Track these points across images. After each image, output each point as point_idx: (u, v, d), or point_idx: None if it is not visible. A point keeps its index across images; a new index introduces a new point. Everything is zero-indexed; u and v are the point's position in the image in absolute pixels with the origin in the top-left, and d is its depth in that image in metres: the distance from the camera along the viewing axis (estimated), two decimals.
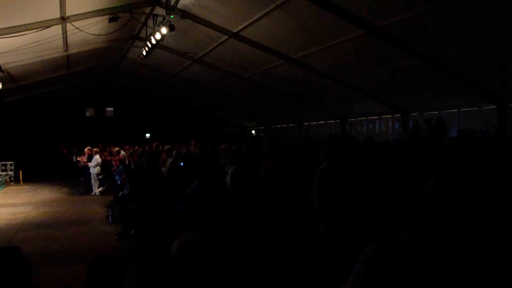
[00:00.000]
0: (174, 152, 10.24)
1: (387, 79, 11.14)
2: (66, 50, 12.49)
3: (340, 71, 12.54)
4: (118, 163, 14.85)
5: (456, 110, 13.02)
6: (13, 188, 18.74)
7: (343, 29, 9.42)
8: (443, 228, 1.67)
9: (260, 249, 0.99)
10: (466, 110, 12.72)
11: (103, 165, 16.32)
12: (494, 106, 11.32)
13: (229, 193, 6.02)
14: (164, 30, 9.85)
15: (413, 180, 1.76)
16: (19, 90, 16.73)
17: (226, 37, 11.83)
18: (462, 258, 1.65)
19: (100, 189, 16.23)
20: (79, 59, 14.75)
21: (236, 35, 11.50)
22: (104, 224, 10.82)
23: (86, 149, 16.91)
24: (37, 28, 9.36)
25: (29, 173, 21.48)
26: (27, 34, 9.32)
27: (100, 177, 16.34)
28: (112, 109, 30.43)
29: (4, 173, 20.47)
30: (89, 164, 16.19)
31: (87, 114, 30.02)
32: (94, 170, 16.10)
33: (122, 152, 16.23)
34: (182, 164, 8.48)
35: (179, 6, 9.66)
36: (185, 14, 10.57)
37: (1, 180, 19.18)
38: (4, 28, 8.98)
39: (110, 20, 10.58)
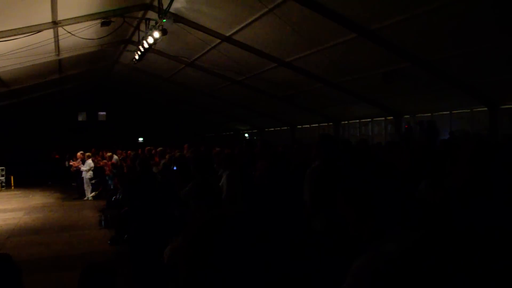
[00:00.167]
0: (167, 156, 10.21)
1: (379, 82, 11.20)
2: (58, 55, 12.43)
3: (332, 74, 12.58)
4: (111, 167, 14.78)
5: (448, 112, 13.11)
6: (4, 194, 18.57)
7: (335, 32, 9.46)
8: (429, 237, 1.68)
9: (238, 253, 0.99)
10: (458, 112, 12.81)
11: (96, 169, 16.23)
12: (486, 108, 11.41)
13: (223, 197, 6.01)
14: (156, 34, 9.83)
15: (402, 189, 1.77)
16: (11, 94, 16.61)
17: (218, 40, 11.83)
18: (449, 267, 1.66)
19: (93, 193, 16.14)
20: (71, 64, 14.68)
21: (228, 39, 11.51)
22: (97, 229, 10.75)
23: (78, 154, 16.82)
24: (28, 32, 9.30)
25: (21, 179, 21.28)
26: (19, 38, 9.27)
27: (93, 181, 16.25)
28: (104, 113, 30.31)
29: None
30: (82, 168, 16.09)
31: (80, 118, 29.89)
32: (86, 175, 16.01)
33: (115, 157, 16.14)
34: (175, 168, 8.45)
35: (171, 10, 9.65)
36: (177, 18, 10.56)
37: None
38: None
39: (102, 24, 10.55)
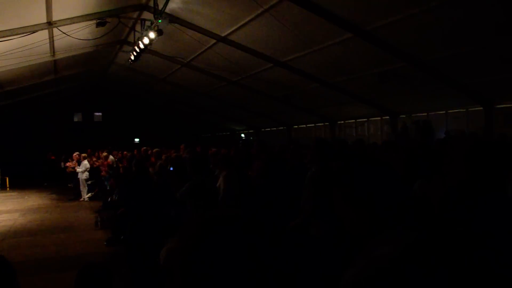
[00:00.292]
0: (163, 156, 10.20)
1: (375, 82, 11.22)
2: (53, 55, 12.40)
3: (328, 74, 12.60)
4: (107, 168, 14.74)
5: (444, 112, 13.16)
6: None
7: (331, 32, 9.47)
8: (424, 239, 1.67)
9: (233, 254, 0.98)
10: (454, 112, 12.86)
11: (92, 170, 16.19)
12: (481, 108, 11.46)
13: (220, 198, 6.01)
14: (152, 34, 9.81)
15: (399, 188, 1.76)
16: (6, 95, 16.56)
17: (214, 41, 11.82)
18: (445, 269, 1.65)
19: (89, 194, 16.09)
20: (66, 64, 14.65)
21: (224, 39, 11.50)
22: (93, 230, 10.72)
23: (74, 155, 16.77)
24: (23, 33, 9.26)
25: (16, 180, 21.19)
26: (13, 39, 9.23)
27: (89, 182, 16.20)
28: (100, 114, 30.25)
29: None
30: (78, 169, 16.05)
31: (75, 119, 29.82)
32: (82, 176, 15.96)
33: (111, 157, 16.10)
34: (171, 168, 8.44)
35: (167, 10, 9.63)
36: (173, 18, 10.55)
37: None
38: None
39: (98, 25, 10.53)
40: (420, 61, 9.90)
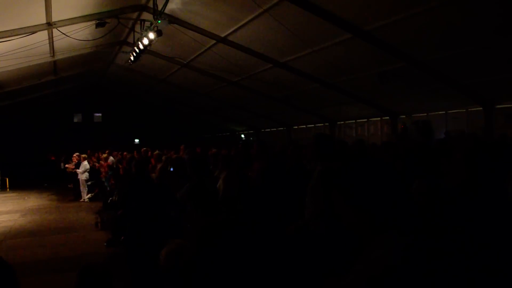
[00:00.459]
0: (163, 158, 10.18)
1: (375, 82, 11.22)
2: (53, 56, 12.39)
3: (328, 75, 12.60)
4: (107, 169, 14.74)
5: (444, 112, 13.15)
6: None
7: (331, 33, 9.47)
8: (422, 241, 1.66)
9: (237, 256, 0.98)
10: (454, 112, 12.85)
11: (92, 171, 16.19)
12: (481, 108, 11.46)
13: (220, 198, 6.01)
14: (151, 35, 9.82)
15: (398, 189, 1.75)
16: (5, 96, 16.55)
17: (214, 41, 11.82)
18: (444, 271, 1.65)
19: (89, 195, 16.09)
20: (66, 65, 14.64)
21: (224, 40, 11.50)
22: (93, 231, 10.72)
23: (74, 156, 16.78)
24: (22, 33, 9.26)
25: (16, 181, 21.20)
26: (13, 40, 9.23)
27: (89, 183, 16.20)
28: (100, 114, 30.24)
29: None
30: (77, 170, 16.05)
31: (75, 120, 29.81)
32: (82, 176, 15.96)
33: (111, 158, 16.10)
34: (171, 169, 8.44)
35: (166, 11, 9.63)
36: (172, 19, 10.55)
37: None
38: None
39: (97, 25, 10.52)
40: (420, 61, 9.90)
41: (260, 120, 22.45)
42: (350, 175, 1.77)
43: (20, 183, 21.01)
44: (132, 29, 12.44)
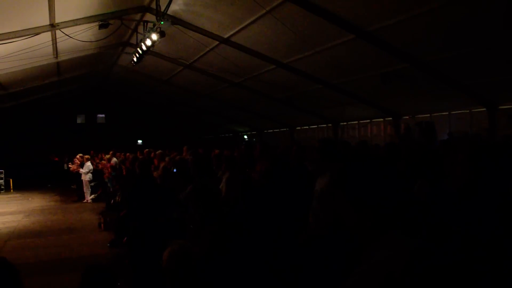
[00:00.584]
0: (167, 159, 10.20)
1: (378, 83, 11.19)
2: (56, 57, 12.42)
3: (331, 76, 12.59)
4: (110, 170, 14.77)
5: (447, 113, 13.11)
6: (3, 197, 18.55)
7: (333, 33, 9.46)
8: (428, 244, 1.66)
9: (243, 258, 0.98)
10: (457, 113, 12.80)
11: (95, 172, 16.22)
12: (484, 109, 11.42)
13: (223, 199, 6.01)
14: (154, 36, 9.83)
15: (401, 190, 1.75)
16: (9, 97, 16.60)
17: (217, 42, 11.83)
18: (450, 275, 1.64)
19: (92, 196, 16.13)
20: (69, 66, 14.68)
21: (226, 41, 11.51)
22: (96, 232, 10.75)
23: (77, 156, 16.83)
24: (26, 35, 9.29)
25: (20, 181, 21.27)
26: (16, 41, 9.26)
27: (92, 184, 16.24)
28: (103, 115, 30.31)
29: None
30: (81, 170, 16.09)
31: (78, 121, 29.89)
32: (86, 177, 16.00)
33: (114, 159, 16.13)
34: (175, 170, 8.45)
35: (169, 12, 9.65)
36: (175, 20, 10.56)
37: None
38: None
39: (100, 26, 10.54)
40: (423, 62, 9.88)
41: (263, 121, 22.43)
42: (354, 174, 1.77)
43: (24, 184, 21.09)
44: (135, 30, 12.46)
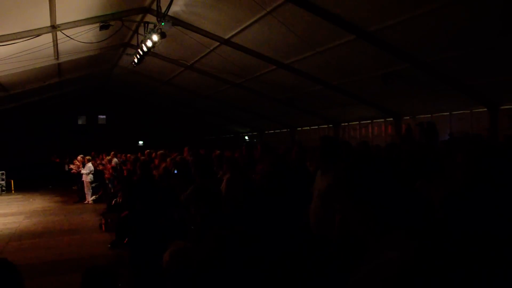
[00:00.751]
0: (168, 159, 10.18)
1: (379, 84, 11.19)
2: (57, 59, 12.44)
3: (332, 76, 12.59)
4: (111, 170, 14.77)
5: (448, 113, 13.10)
6: (4, 198, 18.55)
7: (334, 34, 9.47)
8: (430, 244, 1.66)
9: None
10: (458, 113, 12.80)
11: (96, 172, 16.23)
12: (485, 109, 11.41)
13: (223, 200, 6.01)
14: (155, 37, 9.84)
15: (403, 189, 1.74)
16: (10, 99, 16.63)
17: (217, 43, 11.84)
18: (453, 275, 1.64)
19: (93, 197, 16.13)
20: (70, 67, 14.69)
21: (227, 42, 11.52)
22: (97, 233, 10.75)
23: (78, 158, 16.83)
24: (27, 36, 9.31)
25: (21, 182, 21.27)
26: (17, 42, 9.27)
27: (93, 185, 16.24)
28: (104, 116, 30.32)
29: None
30: (82, 171, 16.09)
31: (79, 122, 29.89)
32: (87, 178, 16.01)
33: (115, 160, 16.13)
34: (176, 171, 8.44)
35: (170, 13, 9.66)
36: (176, 21, 10.57)
37: None
38: None
39: (101, 28, 10.56)
40: (424, 62, 9.87)
41: (264, 122, 22.44)
42: (358, 174, 1.77)
43: (25, 185, 21.09)
44: (136, 32, 12.48)
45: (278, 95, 16.03)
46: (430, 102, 12.75)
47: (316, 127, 19.95)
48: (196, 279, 2.89)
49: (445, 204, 2.82)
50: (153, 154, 12.23)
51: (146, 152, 12.91)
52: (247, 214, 5.58)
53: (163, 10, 9.49)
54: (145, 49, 10.74)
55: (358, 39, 9.36)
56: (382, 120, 15.81)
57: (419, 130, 12.84)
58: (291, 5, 8.51)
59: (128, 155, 15.24)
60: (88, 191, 16.18)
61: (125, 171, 11.88)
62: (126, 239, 8.64)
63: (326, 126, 18.94)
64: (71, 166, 17.81)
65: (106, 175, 15.48)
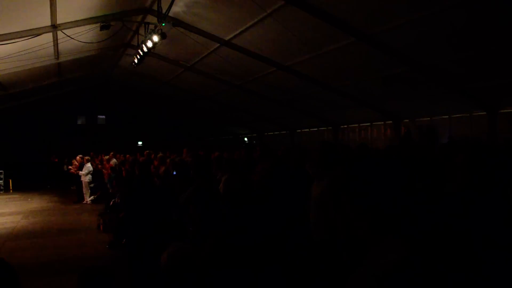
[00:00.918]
0: (168, 161, 10.18)
1: (378, 86, 11.20)
2: (57, 58, 12.43)
3: (331, 78, 12.59)
4: (110, 171, 14.74)
5: (447, 117, 13.11)
6: (2, 197, 18.52)
7: (334, 36, 9.47)
8: (428, 246, 1.65)
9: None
10: (457, 117, 12.80)
11: (95, 173, 16.21)
12: (485, 112, 11.41)
13: (222, 201, 6.00)
14: (155, 38, 9.84)
15: (403, 192, 1.74)
16: (10, 98, 16.61)
17: (218, 44, 11.83)
18: (449, 276, 1.64)
19: (92, 197, 16.11)
20: (70, 67, 14.69)
21: (228, 43, 11.52)
22: (95, 233, 10.73)
23: (77, 158, 16.81)
24: (27, 36, 9.30)
25: (19, 182, 21.26)
26: (18, 42, 9.27)
27: (92, 185, 16.22)
28: (104, 117, 30.33)
29: None
30: (80, 172, 16.08)
31: (79, 122, 29.91)
32: (85, 178, 15.99)
33: (114, 160, 16.11)
34: (174, 173, 8.43)
35: (170, 14, 9.66)
36: (176, 22, 10.57)
37: None
38: None
39: (102, 28, 10.55)
40: (423, 65, 9.88)
41: (263, 124, 22.44)
42: (355, 178, 1.76)
43: (23, 185, 21.08)
44: (137, 32, 12.47)
45: (277, 97, 16.03)
46: (429, 105, 12.75)
47: (316, 129, 19.95)
48: (195, 280, 2.87)
49: (444, 206, 2.81)
50: (152, 155, 12.22)
51: (145, 152, 12.89)
52: (245, 215, 5.57)
53: (164, 10, 9.49)
54: (145, 49, 10.73)
55: (358, 42, 9.36)
56: (382, 122, 15.81)
57: (419, 134, 12.87)
58: (291, 7, 8.52)
59: (127, 155, 15.24)
60: (86, 191, 16.16)
61: (123, 172, 11.86)
62: (124, 239, 8.62)
63: (325, 128, 18.94)
64: (70, 167, 17.80)
65: (105, 176, 15.46)
